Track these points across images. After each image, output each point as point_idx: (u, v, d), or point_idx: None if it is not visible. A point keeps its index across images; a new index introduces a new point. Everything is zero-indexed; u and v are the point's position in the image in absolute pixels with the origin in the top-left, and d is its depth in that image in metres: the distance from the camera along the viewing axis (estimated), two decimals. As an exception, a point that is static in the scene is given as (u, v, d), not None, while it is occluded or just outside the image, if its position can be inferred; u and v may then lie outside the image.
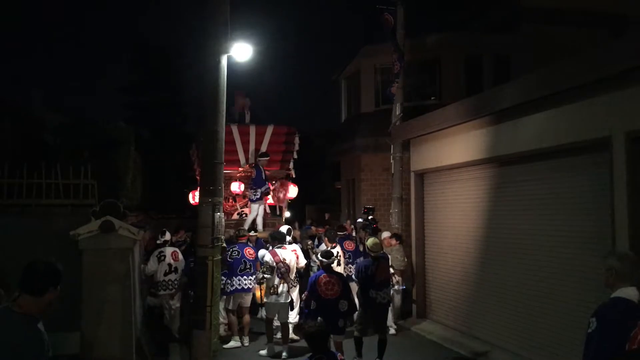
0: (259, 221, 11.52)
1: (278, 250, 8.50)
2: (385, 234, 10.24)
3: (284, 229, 9.61)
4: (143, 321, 9.18)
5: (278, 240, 8.67)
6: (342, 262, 9.63)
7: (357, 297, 7.85)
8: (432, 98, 14.97)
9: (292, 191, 12.35)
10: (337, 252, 9.23)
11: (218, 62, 7.78)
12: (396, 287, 9.84)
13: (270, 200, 12.49)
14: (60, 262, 3.21)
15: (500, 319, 8.42)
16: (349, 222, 13.17)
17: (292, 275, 8.71)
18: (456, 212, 9.78)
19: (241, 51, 8.04)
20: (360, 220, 10.83)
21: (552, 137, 7.21)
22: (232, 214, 12.19)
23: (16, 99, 12.49)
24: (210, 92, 7.79)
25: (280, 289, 8.28)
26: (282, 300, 8.29)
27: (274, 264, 8.33)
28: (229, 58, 7.97)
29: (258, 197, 11.21)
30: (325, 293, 7.09)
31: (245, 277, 8.97)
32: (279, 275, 8.29)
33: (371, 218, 10.57)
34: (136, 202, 12.46)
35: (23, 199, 7.81)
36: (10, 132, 11.07)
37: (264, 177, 11.31)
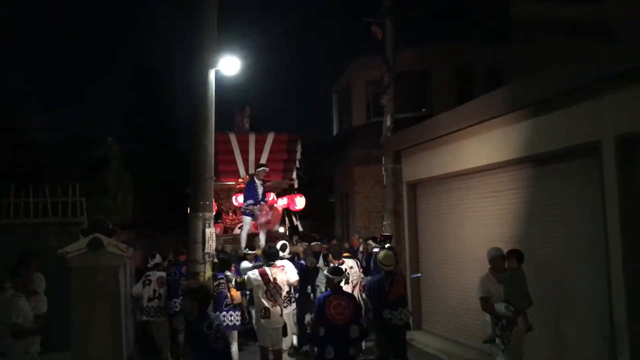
0: (261, 237, 10.75)
1: (268, 269, 7.47)
2: (494, 252, 6.75)
3: (278, 244, 8.84)
4: (135, 338, 9.07)
5: (269, 257, 7.68)
6: (350, 280, 8.66)
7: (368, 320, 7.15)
8: (424, 109, 15.00)
9: (299, 202, 11.88)
10: (345, 270, 8.16)
11: (206, 77, 7.77)
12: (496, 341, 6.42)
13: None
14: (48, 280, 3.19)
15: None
16: (357, 236, 12.98)
17: (284, 292, 8.00)
18: (449, 222, 9.72)
19: (229, 65, 8.02)
20: (376, 249, 9.59)
21: (544, 143, 7.20)
22: (234, 228, 11.77)
23: (7, 118, 12.45)
24: (198, 107, 7.77)
25: (271, 313, 7.30)
26: (274, 325, 7.34)
27: (262, 284, 7.35)
28: (220, 72, 7.96)
29: (247, 211, 10.69)
30: (335, 318, 6.10)
31: (232, 312, 8.00)
32: (269, 297, 7.34)
33: (388, 247, 9.61)
34: (128, 219, 12.39)
35: (11, 218, 7.76)
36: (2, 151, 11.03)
37: (257, 191, 10.66)
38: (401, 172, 11.48)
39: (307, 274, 9.10)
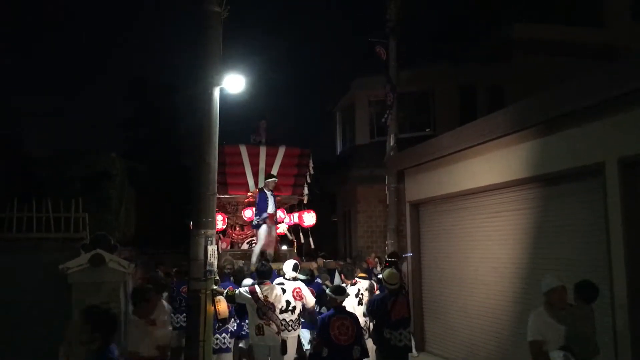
0: (269, 251, 10.53)
1: (258, 287, 7.29)
2: (551, 282, 5.19)
3: (290, 263, 8.45)
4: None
5: (260, 275, 7.49)
6: (364, 302, 8.20)
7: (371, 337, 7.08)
8: (427, 130, 15.06)
9: (309, 219, 11.57)
10: (359, 290, 8.16)
11: (210, 94, 7.78)
12: None
13: (280, 229, 11.72)
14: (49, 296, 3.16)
15: (499, 351, 8.26)
16: (373, 255, 12.77)
17: (294, 316, 7.71)
18: (453, 242, 9.68)
19: (233, 83, 8.06)
20: (380, 276, 8.69)
21: (547, 164, 7.20)
22: (241, 244, 11.56)
23: (8, 133, 12.46)
24: (202, 124, 7.78)
25: (265, 330, 7.11)
26: (269, 342, 7.12)
27: (252, 302, 7.18)
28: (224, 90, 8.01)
29: (260, 223, 10.43)
30: (338, 338, 6.04)
31: (225, 333, 7.78)
32: (261, 316, 7.14)
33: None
34: (130, 235, 12.33)
35: (14, 233, 7.73)
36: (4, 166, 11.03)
37: (268, 203, 10.49)
38: (404, 191, 11.47)
39: (322, 294, 8.58)
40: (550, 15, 14.58)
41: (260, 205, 10.57)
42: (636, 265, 5.86)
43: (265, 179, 10.84)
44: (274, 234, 10.87)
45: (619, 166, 6.03)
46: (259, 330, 7.15)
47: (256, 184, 11.35)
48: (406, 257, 10.55)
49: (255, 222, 10.59)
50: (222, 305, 7.57)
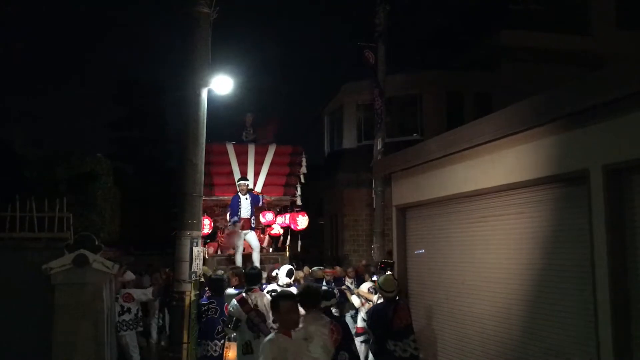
0: (255, 257, 10.19)
1: (247, 295, 6.74)
2: None
3: (285, 268, 8.12)
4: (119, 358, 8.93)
5: (249, 280, 6.93)
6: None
7: (371, 351, 6.87)
8: (415, 134, 15.12)
9: (302, 221, 11.07)
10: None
11: (198, 95, 7.83)
12: None
13: (275, 229, 11.40)
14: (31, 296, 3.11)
15: (487, 356, 8.28)
16: (364, 262, 12.53)
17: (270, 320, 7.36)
18: (438, 247, 9.70)
19: (222, 84, 8.08)
20: (375, 278, 8.65)
21: (533, 170, 7.23)
22: (229, 248, 11.10)
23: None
24: (189, 124, 7.80)
25: (254, 347, 6.41)
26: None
27: (242, 313, 6.55)
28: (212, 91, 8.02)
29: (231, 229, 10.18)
30: None
31: (217, 341, 7.44)
32: (252, 327, 6.53)
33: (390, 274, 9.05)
34: (116, 236, 12.26)
35: (-4, 233, 7.63)
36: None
37: (240, 207, 10.13)
38: (391, 195, 11.48)
39: None
40: (538, 23, 14.72)
41: (230, 210, 10.20)
42: (619, 273, 5.89)
43: (237, 181, 10.48)
44: (253, 241, 10.50)
45: (602, 174, 6.06)
46: (247, 349, 6.55)
47: None
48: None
49: (228, 227, 10.27)
50: (233, 353, 7.18)
